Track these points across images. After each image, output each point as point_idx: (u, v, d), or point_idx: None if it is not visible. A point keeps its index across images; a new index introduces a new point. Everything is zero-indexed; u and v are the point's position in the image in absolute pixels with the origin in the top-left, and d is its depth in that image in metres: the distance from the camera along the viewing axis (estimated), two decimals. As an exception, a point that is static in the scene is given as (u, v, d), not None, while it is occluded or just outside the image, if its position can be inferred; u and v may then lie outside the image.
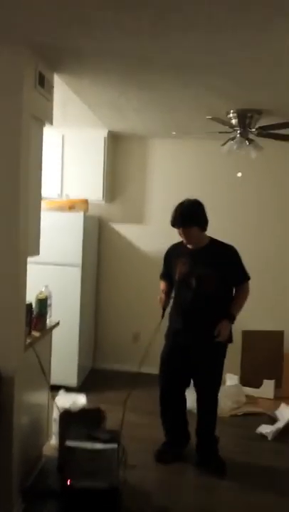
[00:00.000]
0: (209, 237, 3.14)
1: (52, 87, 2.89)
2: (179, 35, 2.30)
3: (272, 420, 3.89)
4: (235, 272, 3.12)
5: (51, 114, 2.91)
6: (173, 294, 3.21)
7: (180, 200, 4.92)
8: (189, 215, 3.02)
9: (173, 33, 2.27)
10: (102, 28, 2.25)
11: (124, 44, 2.44)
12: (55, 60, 2.73)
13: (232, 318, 3.09)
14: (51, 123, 2.90)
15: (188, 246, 3.12)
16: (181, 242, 3.15)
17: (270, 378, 4.49)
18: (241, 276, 3.15)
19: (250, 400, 4.32)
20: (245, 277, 3.16)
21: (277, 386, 4.51)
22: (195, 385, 3.21)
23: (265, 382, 4.46)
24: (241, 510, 2.73)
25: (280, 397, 4.30)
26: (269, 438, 3.65)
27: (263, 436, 3.67)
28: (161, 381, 3.24)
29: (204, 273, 3.00)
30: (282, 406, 4.00)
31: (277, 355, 4.68)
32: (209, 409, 3.16)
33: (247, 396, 4.32)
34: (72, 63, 2.79)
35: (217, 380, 3.17)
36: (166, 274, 3.28)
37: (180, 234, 3.07)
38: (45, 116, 2.79)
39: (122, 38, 2.37)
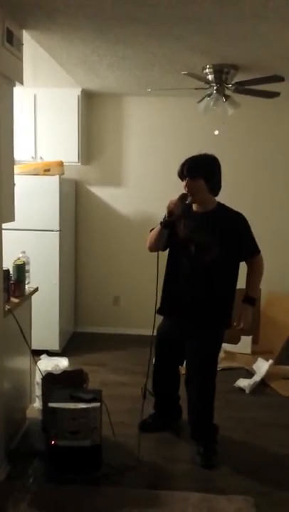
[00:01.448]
0: (218, 202, 2.80)
1: (21, 44, 2.76)
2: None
3: (250, 374, 4.02)
4: (243, 243, 2.75)
5: (21, 73, 2.79)
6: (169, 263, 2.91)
7: (157, 161, 4.92)
8: (199, 166, 2.68)
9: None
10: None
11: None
12: (23, 16, 2.59)
13: (253, 302, 2.82)
14: (21, 82, 2.79)
15: (194, 208, 2.79)
16: (190, 206, 2.79)
17: (247, 334, 4.60)
18: (251, 248, 2.78)
19: (229, 355, 4.44)
20: (256, 250, 2.80)
21: (254, 342, 4.64)
22: (186, 368, 2.93)
23: (243, 338, 4.57)
24: (225, 461, 2.84)
25: (256, 352, 4.43)
26: (247, 391, 3.78)
27: (241, 390, 3.80)
28: (156, 356, 3.01)
29: (205, 240, 2.68)
30: (259, 360, 4.12)
31: (255, 312, 4.76)
32: (202, 397, 2.86)
33: (225, 352, 4.44)
34: (42, 19, 2.65)
35: (212, 366, 2.85)
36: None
37: (184, 186, 2.71)
38: (14, 75, 2.67)
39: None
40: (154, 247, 2.85)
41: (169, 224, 2.73)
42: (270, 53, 3.27)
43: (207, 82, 3.63)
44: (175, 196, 2.72)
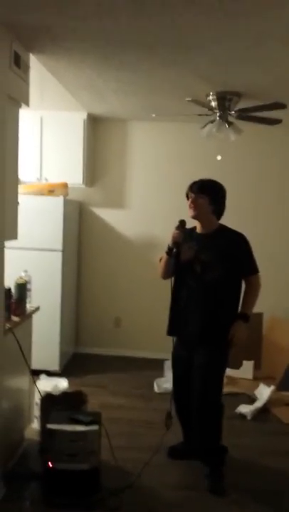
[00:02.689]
0: (220, 223, 2.91)
1: (28, 67, 2.84)
2: (157, 15, 2.27)
3: (252, 400, 3.96)
4: (242, 262, 2.83)
5: (27, 95, 2.85)
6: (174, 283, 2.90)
7: (160, 184, 4.97)
8: (206, 186, 2.82)
9: (150, 12, 2.24)
10: (78, 6, 2.20)
11: (100, 24, 2.40)
12: (30, 40, 2.67)
13: (246, 318, 2.82)
14: (27, 104, 2.85)
15: (197, 229, 2.90)
16: (193, 228, 2.92)
17: (249, 359, 4.56)
18: (250, 267, 2.85)
19: (231, 380, 4.38)
20: (254, 270, 2.86)
21: (257, 367, 4.59)
22: (194, 389, 2.84)
23: (245, 363, 4.53)
24: (220, 488, 2.78)
25: (258, 378, 4.38)
26: (248, 417, 3.72)
27: (242, 416, 3.74)
28: (174, 380, 2.99)
29: (210, 259, 2.77)
30: (261, 386, 4.07)
31: (257, 337, 4.76)
32: (205, 417, 2.81)
33: (227, 377, 4.37)
34: (48, 43, 2.73)
35: (216, 386, 2.84)
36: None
37: (190, 203, 2.83)
38: (21, 97, 2.74)
39: (99, 18, 2.33)
40: (165, 275, 2.94)
41: (173, 253, 2.83)
42: (272, 81, 3.34)
43: (210, 108, 3.70)
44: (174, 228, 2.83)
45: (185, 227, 2.82)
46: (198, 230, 2.91)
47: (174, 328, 2.91)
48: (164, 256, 2.90)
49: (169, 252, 2.85)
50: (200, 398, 2.81)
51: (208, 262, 2.77)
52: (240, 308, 2.88)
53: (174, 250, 2.81)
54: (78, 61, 3.02)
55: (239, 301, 2.88)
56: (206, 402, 2.81)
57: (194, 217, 2.85)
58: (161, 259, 2.97)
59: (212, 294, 2.77)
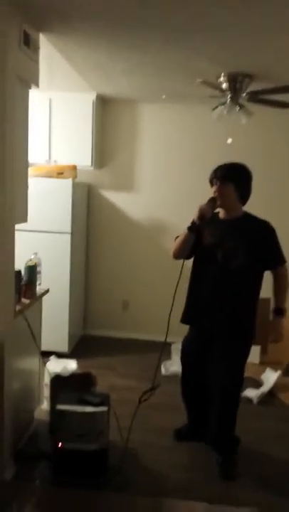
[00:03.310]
0: (244, 210, 2.80)
1: (38, 47, 2.80)
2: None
3: (258, 384, 3.99)
4: (269, 252, 2.72)
5: (37, 76, 2.82)
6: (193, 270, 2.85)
7: (169, 167, 4.93)
8: (231, 171, 2.69)
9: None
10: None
11: (110, 4, 2.35)
12: (40, 19, 2.62)
13: (283, 313, 2.78)
14: (37, 85, 2.82)
15: (220, 215, 2.79)
16: (216, 213, 2.80)
17: (256, 344, 4.56)
18: (277, 257, 2.73)
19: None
20: (282, 260, 2.75)
21: (263, 352, 4.60)
22: (211, 379, 2.86)
23: (252, 348, 4.53)
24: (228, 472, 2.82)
25: (265, 363, 4.39)
26: (254, 401, 3.75)
27: (248, 400, 3.76)
28: (183, 368, 3.02)
29: (232, 246, 2.66)
30: (268, 370, 4.09)
31: (264, 322, 4.74)
32: (225, 409, 2.82)
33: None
34: (58, 23, 2.68)
35: (237, 378, 2.82)
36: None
37: (215, 191, 2.71)
38: (30, 78, 2.71)
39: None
40: (180, 254, 2.80)
41: (196, 228, 2.70)
42: (284, 64, 3.27)
43: (221, 90, 3.64)
44: (203, 201, 2.72)
45: (215, 206, 2.70)
46: (222, 215, 2.79)
47: (191, 316, 2.85)
48: (184, 232, 2.74)
49: (192, 227, 2.69)
50: (222, 391, 2.79)
51: (231, 250, 2.66)
52: (272, 303, 2.80)
53: (197, 225, 2.66)
54: (87, 41, 2.98)
55: (259, 292, 2.79)
56: (227, 395, 2.81)
57: (220, 206, 2.74)
58: (177, 238, 2.84)
59: (234, 283, 2.69)
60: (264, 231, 2.72)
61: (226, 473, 2.77)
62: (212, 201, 2.69)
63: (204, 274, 2.76)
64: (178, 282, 2.65)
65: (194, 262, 2.85)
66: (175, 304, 2.67)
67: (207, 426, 2.94)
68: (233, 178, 2.68)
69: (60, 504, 2.44)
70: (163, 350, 2.93)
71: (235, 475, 2.78)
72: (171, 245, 2.88)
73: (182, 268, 2.70)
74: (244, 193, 2.73)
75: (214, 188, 2.71)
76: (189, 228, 2.71)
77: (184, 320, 2.88)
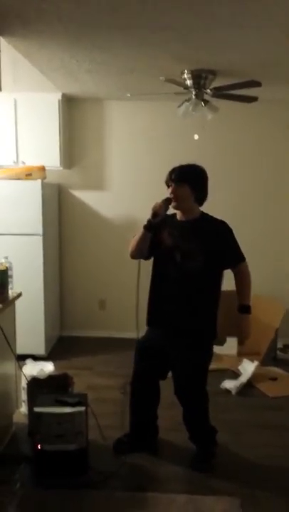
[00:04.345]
0: (202, 211, 2.78)
1: (-1, 50, 2.77)
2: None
3: (236, 375, 4.06)
4: (227, 251, 2.72)
5: (-1, 79, 2.80)
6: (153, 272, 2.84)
7: (139, 164, 4.95)
8: (186, 173, 2.68)
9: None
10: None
11: (70, 5, 2.36)
12: (0, 23, 2.60)
13: (248, 310, 2.78)
14: (0, 89, 2.79)
15: (178, 216, 2.78)
16: (174, 215, 2.79)
17: (233, 336, 4.63)
18: (236, 256, 2.74)
19: (215, 357, 4.42)
20: (241, 258, 2.76)
21: (240, 343, 4.66)
22: (174, 379, 2.82)
23: (229, 340, 4.60)
24: (211, 462, 2.86)
25: (242, 354, 4.46)
26: (233, 392, 3.81)
27: (227, 391, 3.83)
28: (136, 370, 2.89)
29: (190, 247, 2.66)
30: (245, 361, 4.16)
31: (237, 315, 4.83)
32: (194, 406, 2.84)
33: (211, 353, 4.47)
34: (19, 26, 2.68)
35: (201, 377, 2.80)
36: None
37: (170, 193, 2.70)
38: (-8, 82, 2.68)
39: (66, 0, 2.28)
40: (137, 253, 2.81)
41: (152, 226, 2.70)
42: (246, 59, 3.32)
43: (186, 87, 3.67)
44: (158, 200, 2.72)
45: (169, 206, 2.70)
46: (179, 217, 2.78)
47: (153, 317, 2.84)
48: (141, 231, 2.73)
49: (147, 225, 2.69)
50: (186, 392, 2.81)
51: (189, 251, 2.66)
52: (238, 300, 2.79)
53: (153, 222, 2.66)
54: (50, 43, 2.97)
55: (220, 291, 2.80)
56: (192, 396, 2.82)
57: (176, 208, 2.73)
58: (134, 236, 2.82)
59: (193, 283, 2.69)
60: (221, 231, 2.73)
61: (202, 466, 2.80)
62: (166, 200, 2.69)
63: (164, 276, 2.76)
64: (138, 282, 2.76)
65: (154, 263, 2.85)
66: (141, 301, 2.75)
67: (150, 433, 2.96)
68: (188, 180, 2.67)
69: (43, 505, 2.45)
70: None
71: (214, 466, 2.82)
72: (129, 242, 2.86)
73: (139, 268, 2.77)
74: (200, 194, 2.73)
75: (170, 190, 2.70)
76: (145, 227, 2.71)
77: (149, 323, 2.87)
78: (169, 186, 2.72)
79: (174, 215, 2.81)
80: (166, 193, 2.74)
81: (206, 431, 2.93)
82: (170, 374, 2.87)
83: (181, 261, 2.68)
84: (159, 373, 2.87)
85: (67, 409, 2.61)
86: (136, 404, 2.94)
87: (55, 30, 2.73)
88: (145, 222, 2.72)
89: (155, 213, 2.67)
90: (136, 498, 2.52)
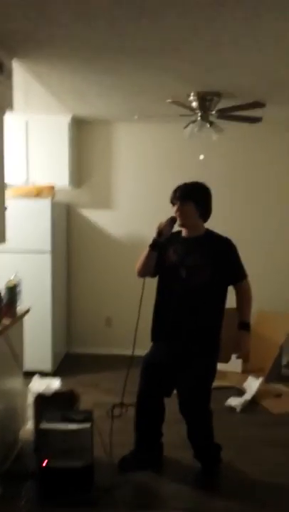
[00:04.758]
0: (206, 228, 2.85)
1: (11, 73, 2.88)
2: (134, 21, 2.33)
3: (241, 393, 4.05)
4: (230, 267, 2.77)
5: (11, 101, 2.90)
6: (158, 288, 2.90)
7: (146, 185, 5.03)
8: (190, 191, 2.74)
9: (128, 17, 2.30)
10: (57, 14, 2.26)
11: (80, 30, 2.46)
12: (13, 46, 2.72)
13: (248, 327, 2.80)
14: (11, 110, 2.90)
15: (183, 233, 2.84)
16: (179, 232, 2.86)
17: (235, 353, 4.63)
18: (238, 273, 2.80)
19: (220, 374, 4.42)
20: (244, 275, 2.81)
21: (245, 361, 4.67)
22: (178, 395, 2.85)
23: (233, 357, 4.60)
24: (213, 481, 2.87)
25: (247, 371, 4.46)
26: (237, 410, 3.81)
27: (232, 409, 3.82)
28: (142, 386, 2.89)
29: (196, 264, 2.70)
30: (250, 378, 4.16)
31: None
32: (198, 423, 2.85)
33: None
34: (31, 49, 2.78)
35: (204, 393, 2.82)
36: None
37: (176, 211, 2.76)
38: (4, 103, 2.78)
39: (78, 25, 2.38)
40: (143, 272, 2.86)
41: (157, 245, 2.76)
42: (250, 81, 3.41)
43: (192, 109, 3.77)
44: (164, 219, 2.79)
45: (174, 225, 2.76)
46: (184, 234, 2.84)
47: (158, 333, 2.87)
48: (147, 249, 2.79)
49: (153, 244, 2.76)
50: (190, 409, 2.82)
51: (194, 267, 2.71)
52: (238, 317, 2.81)
53: (158, 241, 2.73)
54: (61, 66, 3.08)
55: (224, 308, 2.84)
56: (196, 412, 2.83)
57: (182, 226, 2.79)
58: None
59: (197, 299, 2.72)
60: (225, 248, 2.79)
61: (204, 482, 2.81)
62: (171, 219, 2.76)
63: (169, 292, 2.79)
64: (141, 299, 2.83)
65: (159, 280, 2.89)
66: (147, 318, 2.78)
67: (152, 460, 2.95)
68: (192, 197, 2.73)
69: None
70: (131, 364, 2.99)
71: (217, 484, 2.81)
72: (136, 264, 2.92)
73: (143, 286, 2.82)
74: (204, 211, 2.78)
75: (175, 208, 2.76)
76: (151, 246, 2.78)
77: (154, 338, 2.91)
78: (174, 204, 2.78)
79: (180, 232, 2.87)
80: (171, 211, 2.81)
81: (210, 448, 2.93)
82: (175, 391, 2.89)
83: (187, 277, 2.72)
84: (164, 390, 2.88)
85: (73, 426, 2.63)
86: (140, 421, 2.94)
87: (65, 53, 2.84)
88: (151, 241, 2.78)
89: (160, 232, 2.74)
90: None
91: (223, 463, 2.97)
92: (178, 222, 2.76)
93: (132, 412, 3.13)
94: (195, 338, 2.75)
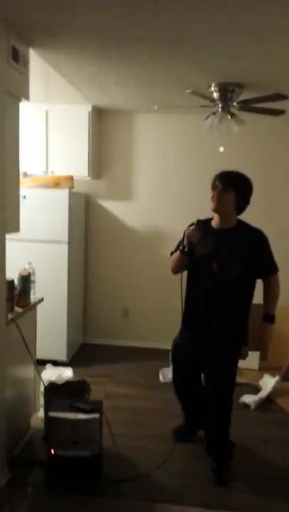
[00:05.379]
0: (238, 219, 2.80)
1: (27, 61, 2.86)
2: (153, 9, 2.28)
3: (256, 390, 3.99)
4: (262, 260, 2.74)
5: (27, 90, 2.88)
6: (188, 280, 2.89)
7: (166, 176, 4.98)
8: (235, 178, 2.70)
9: (146, 6, 2.24)
10: (73, 2, 2.23)
11: (97, 18, 2.42)
12: (29, 35, 2.70)
13: (273, 319, 2.80)
14: (27, 98, 2.88)
15: (213, 223, 2.79)
16: (207, 221, 2.80)
17: (255, 350, 4.56)
18: (269, 266, 2.76)
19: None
20: (275, 269, 2.78)
21: (263, 358, 4.59)
22: (205, 384, 2.93)
23: (251, 354, 4.53)
24: (223, 476, 2.82)
25: (264, 368, 4.39)
26: (252, 407, 3.75)
27: (246, 406, 3.77)
28: (174, 368, 3.04)
29: (227, 257, 2.67)
30: (265, 376, 4.09)
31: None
32: (219, 415, 2.85)
33: (233, 367, 4.42)
34: (47, 38, 2.75)
35: (229, 384, 2.83)
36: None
37: (213, 197, 2.70)
38: (20, 92, 2.77)
39: (94, 14, 2.35)
40: (177, 271, 2.89)
41: (186, 251, 2.76)
42: (273, 71, 3.31)
43: (212, 100, 3.69)
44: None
45: (201, 229, 2.73)
46: (215, 224, 2.79)
47: (188, 323, 2.90)
48: (177, 253, 2.82)
49: (183, 250, 2.76)
50: (215, 398, 2.83)
51: (225, 260, 2.68)
52: (263, 309, 2.81)
53: (188, 249, 2.74)
54: (78, 55, 3.05)
55: (252, 301, 2.82)
56: (220, 401, 2.83)
57: (216, 211, 2.74)
58: (172, 254, 2.91)
59: (229, 293, 2.71)
60: (258, 240, 2.75)
61: (219, 479, 2.78)
62: (198, 224, 2.73)
63: (199, 284, 2.78)
64: (182, 294, 2.86)
65: (189, 272, 2.86)
66: (174, 312, 2.82)
67: (203, 423, 3.01)
68: (234, 186, 2.68)
69: (53, 510, 2.47)
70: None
71: (230, 480, 2.79)
72: (168, 259, 2.95)
73: (182, 280, 2.83)
74: (242, 203, 2.74)
75: (213, 193, 2.71)
76: (180, 251, 2.78)
77: (184, 326, 2.95)
78: (214, 189, 2.73)
79: (209, 221, 2.82)
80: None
81: (225, 443, 2.92)
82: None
83: (218, 270, 2.71)
84: (195, 370, 2.97)
85: (82, 416, 2.63)
86: (181, 401, 3.12)
87: (82, 42, 2.81)
88: (177, 244, 2.83)
89: (191, 243, 2.73)
90: (147, 509, 2.51)
91: (234, 459, 2.93)
92: (212, 207, 2.72)
93: (138, 404, 3.13)
94: (224, 331, 2.75)
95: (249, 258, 2.69)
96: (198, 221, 2.74)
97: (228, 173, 2.73)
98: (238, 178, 2.73)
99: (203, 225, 2.76)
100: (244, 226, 2.79)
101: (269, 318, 2.81)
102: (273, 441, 3.27)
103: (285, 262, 4.80)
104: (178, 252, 2.81)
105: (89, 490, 2.60)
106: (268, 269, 2.77)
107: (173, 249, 2.93)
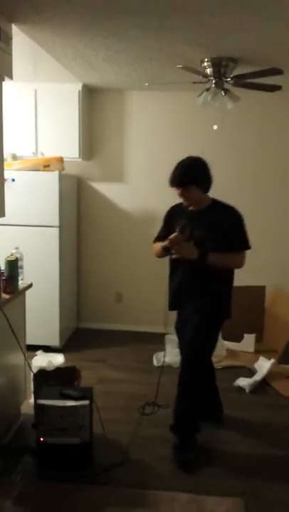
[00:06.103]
0: (212, 198, 2.84)
1: (10, 38, 2.74)
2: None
3: (252, 373, 3.95)
4: (231, 236, 2.74)
5: (10, 68, 2.77)
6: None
7: (159, 156, 4.87)
8: (188, 174, 2.72)
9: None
10: None
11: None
12: (11, 10, 2.57)
13: (203, 256, 2.68)
14: (11, 77, 2.77)
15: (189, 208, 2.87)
16: (182, 203, 2.88)
17: (251, 332, 4.54)
18: (239, 241, 2.76)
19: (231, 353, 4.38)
20: (241, 245, 2.77)
21: (258, 340, 4.57)
22: (181, 349, 2.98)
23: (246, 336, 4.51)
24: (217, 461, 2.80)
25: (260, 351, 4.36)
26: (247, 390, 3.71)
27: (240, 389, 3.73)
28: (180, 350, 3.02)
29: (201, 235, 2.72)
30: (261, 359, 4.05)
31: (259, 310, 4.72)
32: (183, 385, 2.82)
33: (228, 350, 4.38)
34: (30, 13, 2.62)
35: (202, 351, 2.83)
36: (164, 237, 2.86)
37: (179, 195, 2.78)
38: (3, 71, 2.66)
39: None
40: (161, 257, 2.96)
41: (172, 253, 2.79)
42: (268, 46, 3.18)
43: (205, 75, 3.56)
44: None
45: (186, 234, 2.73)
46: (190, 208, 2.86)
47: (172, 302, 2.97)
48: (160, 247, 2.84)
49: (167, 250, 2.79)
50: (183, 370, 2.81)
51: (201, 239, 2.72)
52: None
53: (171, 253, 2.80)
54: (63, 30, 2.91)
55: (233, 275, 2.88)
56: (187, 373, 2.80)
57: (188, 206, 2.83)
58: (155, 242, 2.99)
59: (206, 270, 2.73)
60: (230, 216, 2.78)
61: (178, 458, 2.77)
62: (182, 230, 2.71)
63: (179, 265, 2.85)
64: (169, 275, 2.94)
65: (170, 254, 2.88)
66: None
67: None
68: (192, 181, 2.71)
69: (42, 498, 2.44)
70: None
71: (220, 464, 2.75)
72: (152, 245, 3.04)
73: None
74: (205, 184, 2.78)
75: (178, 192, 2.76)
76: (164, 248, 2.80)
77: (170, 307, 2.98)
78: (173, 187, 2.77)
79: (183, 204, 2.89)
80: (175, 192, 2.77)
81: (187, 419, 2.87)
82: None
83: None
84: None
85: (71, 403, 2.58)
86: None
87: (66, 16, 2.67)
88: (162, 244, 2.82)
89: (173, 247, 2.75)
90: (137, 495, 2.47)
91: (227, 442, 2.91)
92: (185, 203, 2.81)
93: (132, 388, 3.08)
94: (202, 296, 2.81)
95: (223, 234, 2.72)
96: (183, 227, 2.73)
97: (180, 171, 2.72)
98: (188, 173, 2.72)
99: (179, 206, 2.87)
100: (217, 204, 2.84)
101: (203, 253, 2.69)
102: (267, 425, 3.23)
103: (275, 242, 4.76)
104: (160, 246, 2.84)
105: (78, 477, 2.57)
106: (236, 242, 2.77)
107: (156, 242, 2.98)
